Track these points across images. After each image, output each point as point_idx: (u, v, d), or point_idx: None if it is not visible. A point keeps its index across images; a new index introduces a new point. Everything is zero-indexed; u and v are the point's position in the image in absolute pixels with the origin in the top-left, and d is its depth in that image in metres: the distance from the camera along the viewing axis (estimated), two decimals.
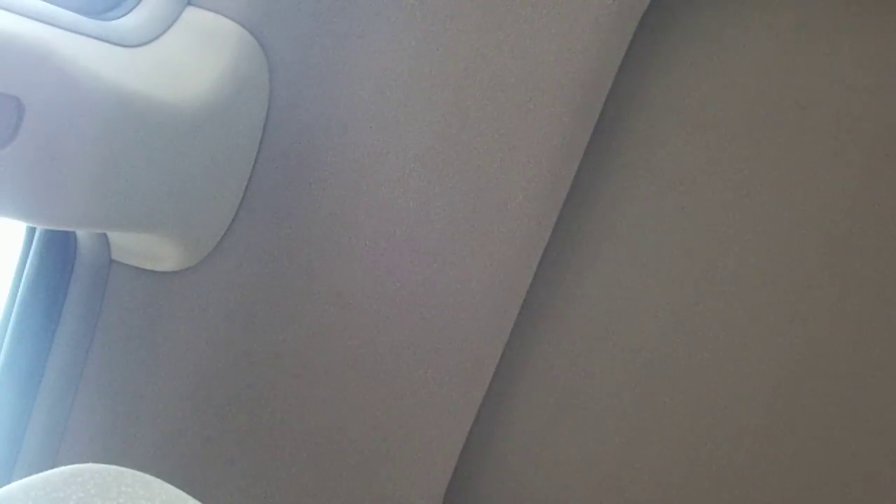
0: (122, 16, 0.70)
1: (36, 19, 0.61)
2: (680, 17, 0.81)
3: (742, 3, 0.81)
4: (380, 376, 0.87)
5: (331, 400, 0.87)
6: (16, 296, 0.79)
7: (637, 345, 0.88)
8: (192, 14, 0.74)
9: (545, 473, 0.93)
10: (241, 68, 0.74)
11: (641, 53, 0.81)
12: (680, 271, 0.86)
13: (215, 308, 0.81)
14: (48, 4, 0.63)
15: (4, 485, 0.50)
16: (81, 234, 0.79)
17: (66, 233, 0.78)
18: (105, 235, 0.78)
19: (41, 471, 0.51)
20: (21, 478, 0.51)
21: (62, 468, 0.52)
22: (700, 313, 0.86)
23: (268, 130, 0.78)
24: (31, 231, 0.79)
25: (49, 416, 0.82)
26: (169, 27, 0.72)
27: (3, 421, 0.82)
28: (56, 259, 0.78)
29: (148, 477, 0.53)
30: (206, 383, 0.84)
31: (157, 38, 0.71)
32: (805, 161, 0.82)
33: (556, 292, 0.89)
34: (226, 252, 0.80)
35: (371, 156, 0.81)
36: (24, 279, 0.78)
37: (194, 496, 0.54)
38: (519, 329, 0.89)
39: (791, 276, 0.84)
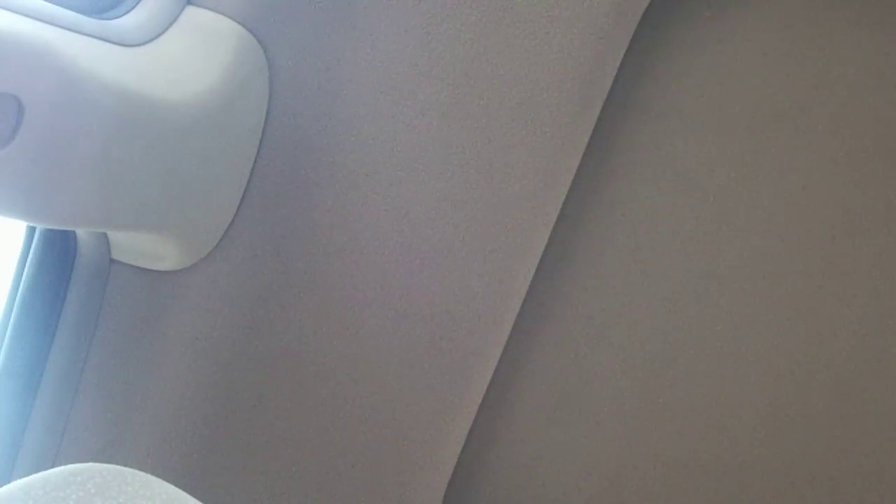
0: (122, 15, 0.70)
1: (36, 19, 0.60)
2: (680, 17, 0.81)
3: (742, 3, 0.81)
4: (379, 376, 0.87)
5: (330, 400, 0.87)
6: (16, 296, 0.79)
7: (637, 345, 0.88)
8: (192, 14, 0.74)
9: (545, 473, 0.93)
10: (241, 68, 0.74)
11: (641, 53, 0.81)
12: (680, 271, 0.86)
13: (215, 308, 0.81)
14: (48, 4, 0.63)
15: (4, 485, 0.50)
16: (81, 233, 0.79)
17: (66, 232, 0.78)
18: (105, 235, 0.78)
19: (41, 470, 0.51)
20: (21, 477, 0.51)
21: (62, 468, 0.52)
22: (700, 313, 0.86)
23: (268, 130, 0.78)
24: (31, 231, 0.79)
25: (49, 415, 0.82)
26: (169, 27, 0.72)
27: (3, 421, 0.82)
28: (56, 259, 0.78)
29: (148, 476, 0.53)
30: (206, 383, 0.84)
31: (157, 37, 0.71)
32: (805, 160, 0.82)
33: (555, 292, 0.89)
34: (226, 252, 0.80)
35: (371, 155, 0.81)
36: (24, 279, 0.78)
37: (194, 496, 0.54)
38: (519, 329, 0.89)
39: (791, 275, 0.84)
